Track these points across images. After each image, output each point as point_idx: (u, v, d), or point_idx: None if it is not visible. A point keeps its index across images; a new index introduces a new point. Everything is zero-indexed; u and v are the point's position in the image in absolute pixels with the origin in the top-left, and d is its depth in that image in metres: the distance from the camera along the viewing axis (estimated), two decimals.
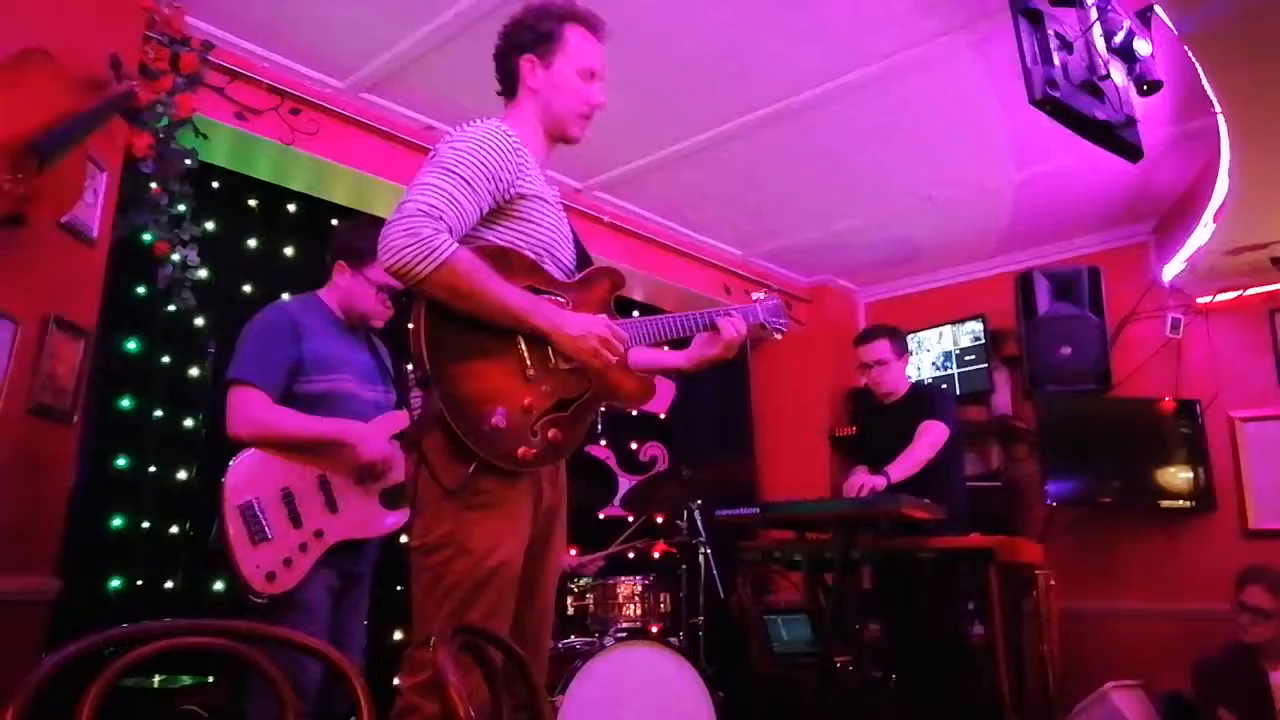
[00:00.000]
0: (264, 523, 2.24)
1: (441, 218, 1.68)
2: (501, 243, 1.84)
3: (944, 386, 5.16)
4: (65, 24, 2.49)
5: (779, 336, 2.33)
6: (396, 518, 2.48)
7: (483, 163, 1.77)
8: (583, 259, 2.05)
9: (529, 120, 1.97)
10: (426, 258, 1.64)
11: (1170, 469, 4.55)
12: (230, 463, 2.29)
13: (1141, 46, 2.78)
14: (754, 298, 2.36)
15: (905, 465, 3.48)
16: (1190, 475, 4.53)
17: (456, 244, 1.69)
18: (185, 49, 2.98)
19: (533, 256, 1.88)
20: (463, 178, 1.74)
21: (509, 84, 2.00)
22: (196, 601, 3.20)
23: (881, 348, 3.86)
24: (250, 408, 2.34)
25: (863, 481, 3.40)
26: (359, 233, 2.60)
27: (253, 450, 2.31)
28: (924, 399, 3.85)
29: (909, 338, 5.23)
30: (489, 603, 1.72)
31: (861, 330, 4.15)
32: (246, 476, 2.27)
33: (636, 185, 4.51)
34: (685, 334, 2.13)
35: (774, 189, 4.61)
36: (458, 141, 1.80)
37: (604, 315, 1.94)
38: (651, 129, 3.94)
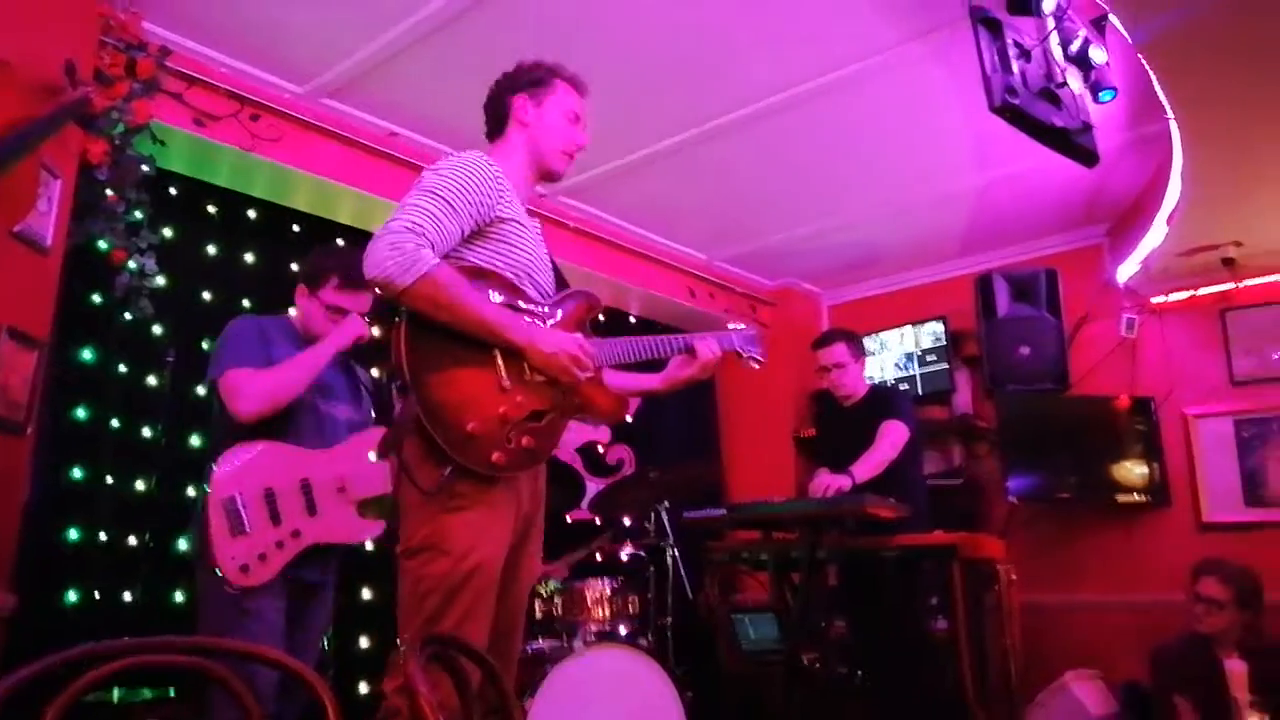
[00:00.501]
0: (243, 517, 2.30)
1: (424, 234, 1.77)
2: (481, 263, 1.92)
3: (903, 388, 5.23)
4: (18, 29, 2.43)
5: (755, 366, 2.41)
6: (372, 527, 2.54)
7: (464, 187, 1.87)
8: (561, 285, 2.14)
9: (516, 154, 2.09)
10: (408, 270, 1.74)
11: (1126, 465, 4.64)
12: (217, 460, 2.34)
13: (1097, 54, 2.84)
14: (730, 327, 2.43)
15: (869, 465, 3.53)
16: (1145, 471, 4.64)
17: (438, 259, 1.78)
18: (142, 54, 2.92)
19: (512, 277, 1.96)
20: (445, 199, 1.83)
21: (498, 124, 2.12)
22: (156, 614, 3.14)
23: (839, 351, 3.90)
24: (246, 382, 2.38)
25: (828, 482, 3.44)
26: (318, 256, 2.67)
27: (241, 449, 2.35)
28: (883, 400, 3.91)
29: (872, 339, 5.32)
30: (467, 603, 1.78)
31: (819, 334, 4.19)
32: (232, 474, 2.33)
33: (601, 190, 4.51)
34: (660, 356, 2.22)
35: (738, 194, 4.63)
36: (442, 168, 1.90)
37: (579, 334, 2.02)
38: (616, 135, 3.93)
